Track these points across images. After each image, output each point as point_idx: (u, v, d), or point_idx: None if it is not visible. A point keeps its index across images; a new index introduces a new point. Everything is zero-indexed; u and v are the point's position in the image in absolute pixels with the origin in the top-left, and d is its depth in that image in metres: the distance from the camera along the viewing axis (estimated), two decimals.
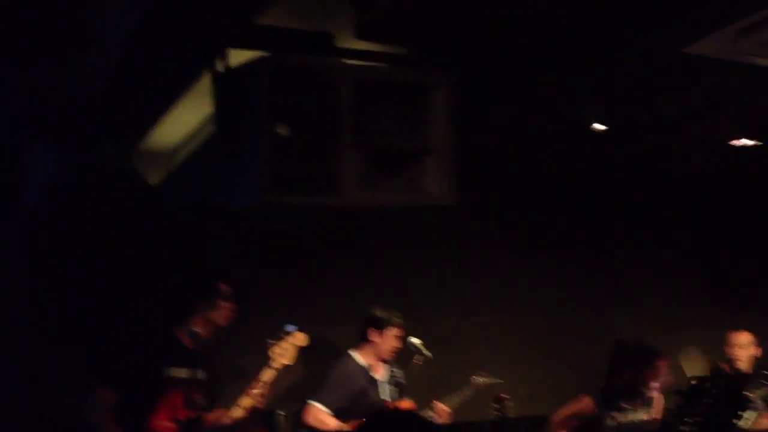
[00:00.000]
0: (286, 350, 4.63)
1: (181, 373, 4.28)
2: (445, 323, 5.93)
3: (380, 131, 3.78)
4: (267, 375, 4.51)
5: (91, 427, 4.14)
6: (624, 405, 5.14)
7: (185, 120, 4.77)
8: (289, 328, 4.65)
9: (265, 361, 4.54)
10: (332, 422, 5.18)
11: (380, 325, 5.31)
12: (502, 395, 5.26)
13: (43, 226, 5.08)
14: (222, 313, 4.34)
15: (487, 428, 5.30)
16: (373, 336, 5.31)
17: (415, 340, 5.26)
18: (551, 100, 4.73)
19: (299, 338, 4.70)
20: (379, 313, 5.32)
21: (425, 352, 5.15)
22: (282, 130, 3.46)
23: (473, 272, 6.12)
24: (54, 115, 4.55)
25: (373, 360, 5.35)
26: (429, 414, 5.21)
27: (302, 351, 5.39)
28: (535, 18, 3.75)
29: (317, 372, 5.50)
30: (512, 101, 4.67)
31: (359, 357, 5.36)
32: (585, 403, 5.20)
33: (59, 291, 5.07)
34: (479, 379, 5.45)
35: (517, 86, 4.52)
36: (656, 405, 5.26)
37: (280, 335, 4.65)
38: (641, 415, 5.18)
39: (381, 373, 5.37)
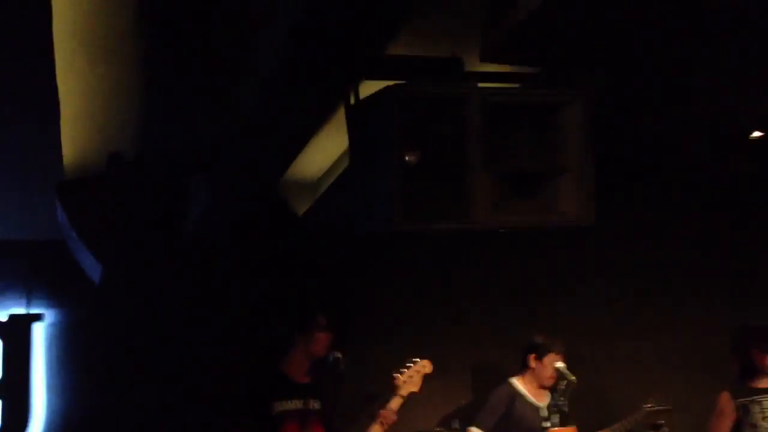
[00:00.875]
0: (412, 378, 4.68)
1: (292, 405, 4.37)
2: (590, 346, 5.78)
3: (512, 152, 3.75)
4: (394, 403, 4.58)
5: None
6: (754, 386, 4.98)
7: (329, 149, 4.92)
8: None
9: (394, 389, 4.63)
10: None
11: (539, 352, 5.26)
12: (659, 422, 5.10)
13: (200, 256, 5.37)
14: (319, 344, 4.42)
15: None
16: (533, 362, 5.27)
17: (558, 365, 5.16)
18: (699, 109, 4.51)
19: (424, 366, 4.75)
20: (538, 339, 5.28)
21: (570, 377, 5.04)
22: (411, 157, 3.50)
23: (613, 294, 5.94)
24: (208, 149, 4.82)
25: (533, 386, 5.30)
26: None
27: (462, 375, 5.47)
28: (676, 21, 3.60)
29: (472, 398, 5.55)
30: (657, 113, 4.50)
31: (518, 384, 5.33)
32: (724, 399, 5.01)
33: (203, 323, 5.32)
34: (648, 407, 5.29)
35: (661, 97, 4.35)
36: None
37: (406, 364, 4.73)
38: None
39: (542, 399, 5.30)
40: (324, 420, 4.45)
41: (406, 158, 3.51)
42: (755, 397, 5.04)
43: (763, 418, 5.00)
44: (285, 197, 5.26)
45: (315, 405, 4.45)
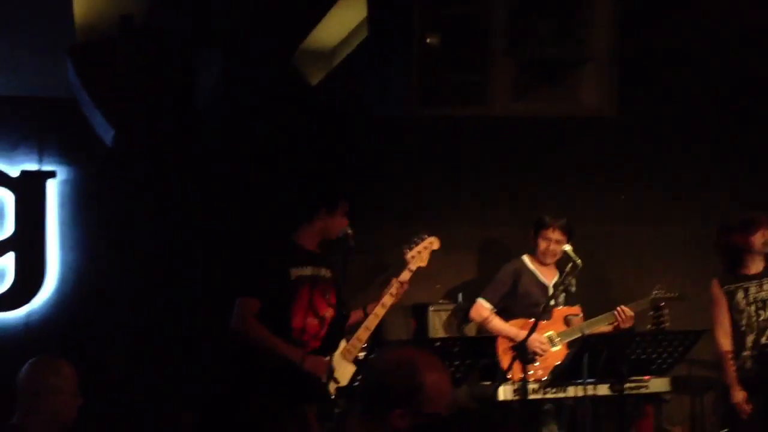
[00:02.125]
0: (420, 253, 4.77)
1: (306, 271, 4.46)
2: (597, 232, 5.81)
3: (537, 40, 3.65)
4: (404, 275, 4.68)
5: (241, 335, 4.40)
6: (740, 272, 5.05)
7: (346, 19, 4.77)
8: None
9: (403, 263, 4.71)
10: (494, 319, 5.30)
11: (539, 228, 5.29)
12: (661, 304, 5.19)
13: (209, 129, 5.30)
14: (337, 227, 4.47)
15: (640, 340, 5.24)
16: (535, 240, 5.31)
17: (566, 247, 5.19)
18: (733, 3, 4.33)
19: (432, 242, 4.81)
20: (539, 217, 5.30)
21: (576, 259, 5.08)
22: (432, 40, 3.40)
23: (623, 184, 5.92)
24: (220, 19, 4.68)
25: (542, 264, 5.37)
26: (608, 317, 5.23)
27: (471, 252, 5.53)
28: None
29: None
30: (688, 4, 4.32)
31: (528, 260, 5.40)
32: (715, 288, 5.08)
33: (216, 196, 5.30)
34: (657, 293, 5.37)
35: None
36: None
37: (415, 240, 4.78)
38: None
39: (550, 278, 5.37)
40: (333, 287, 4.55)
41: (427, 40, 3.42)
42: (741, 284, 5.15)
43: (748, 303, 5.12)
44: (298, 69, 5.14)
45: (326, 273, 4.56)
